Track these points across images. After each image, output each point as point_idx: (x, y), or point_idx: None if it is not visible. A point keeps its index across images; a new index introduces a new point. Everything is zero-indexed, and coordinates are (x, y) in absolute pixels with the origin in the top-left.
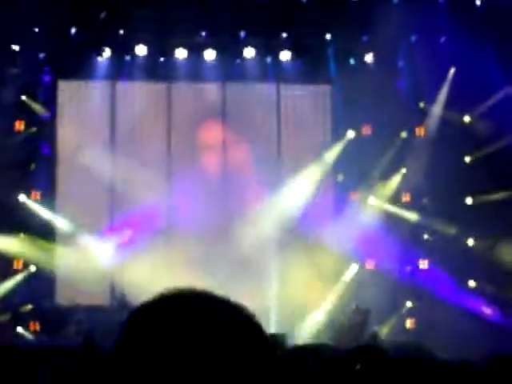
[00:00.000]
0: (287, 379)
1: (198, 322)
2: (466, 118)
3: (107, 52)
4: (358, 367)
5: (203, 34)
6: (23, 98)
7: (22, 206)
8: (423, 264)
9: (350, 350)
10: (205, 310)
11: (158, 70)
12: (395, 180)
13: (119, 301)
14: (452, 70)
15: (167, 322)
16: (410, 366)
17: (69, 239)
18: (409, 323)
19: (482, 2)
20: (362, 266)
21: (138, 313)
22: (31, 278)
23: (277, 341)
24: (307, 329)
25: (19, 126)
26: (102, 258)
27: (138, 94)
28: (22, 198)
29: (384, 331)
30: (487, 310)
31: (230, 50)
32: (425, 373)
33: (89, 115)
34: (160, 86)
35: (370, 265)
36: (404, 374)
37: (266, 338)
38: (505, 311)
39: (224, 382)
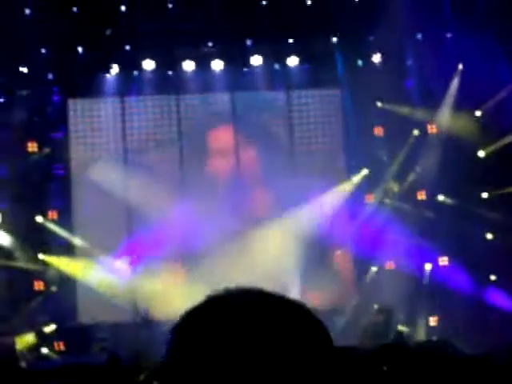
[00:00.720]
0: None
1: (255, 320)
2: (477, 113)
3: (115, 68)
4: (385, 368)
5: (210, 44)
6: (34, 119)
7: (40, 226)
8: (443, 261)
9: (375, 348)
10: (261, 306)
11: (167, 83)
12: (410, 179)
13: (143, 317)
14: (460, 66)
15: (220, 323)
16: (437, 362)
17: (87, 258)
18: (432, 321)
19: None
20: (382, 267)
21: (187, 317)
22: (53, 298)
23: None
24: (332, 331)
25: (32, 147)
26: (122, 276)
27: (147, 108)
28: (39, 218)
29: (408, 330)
30: (508, 303)
31: (237, 59)
32: (452, 368)
33: (100, 133)
34: (169, 99)
35: (390, 265)
36: (431, 371)
37: (328, 333)
38: None
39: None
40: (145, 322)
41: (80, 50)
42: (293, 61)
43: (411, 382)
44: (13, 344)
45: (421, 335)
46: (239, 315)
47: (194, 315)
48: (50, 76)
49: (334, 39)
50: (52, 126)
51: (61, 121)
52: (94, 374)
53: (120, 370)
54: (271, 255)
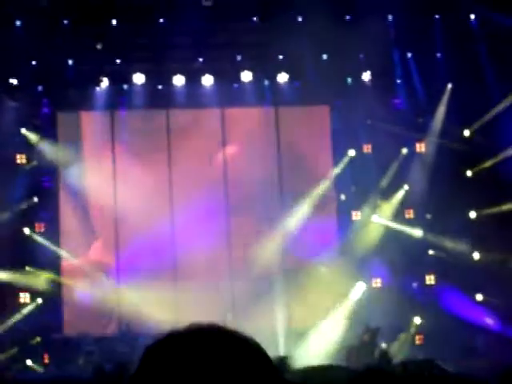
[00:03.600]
0: None
1: (207, 361)
2: (466, 132)
3: (105, 82)
4: None
5: (200, 59)
6: (23, 131)
7: (27, 239)
8: (430, 280)
9: (359, 372)
10: (213, 347)
11: (157, 97)
12: (398, 197)
13: (123, 330)
14: (449, 86)
15: (177, 360)
16: (421, 383)
17: (74, 270)
18: (418, 339)
19: (475, 18)
20: (368, 285)
21: (152, 348)
22: (38, 310)
23: (286, 363)
24: (317, 350)
25: (20, 159)
26: (109, 288)
27: (137, 122)
28: (26, 231)
29: (394, 349)
30: (495, 323)
31: (227, 75)
32: None
33: (89, 145)
34: (159, 114)
35: (376, 283)
36: None
37: (273, 366)
38: None
39: None
40: (126, 336)
41: (70, 62)
42: (282, 77)
43: None
44: None
45: (406, 354)
46: (194, 355)
47: (158, 348)
48: (40, 88)
49: (325, 56)
50: (41, 138)
51: (50, 133)
52: None
53: (106, 383)
54: (257, 270)
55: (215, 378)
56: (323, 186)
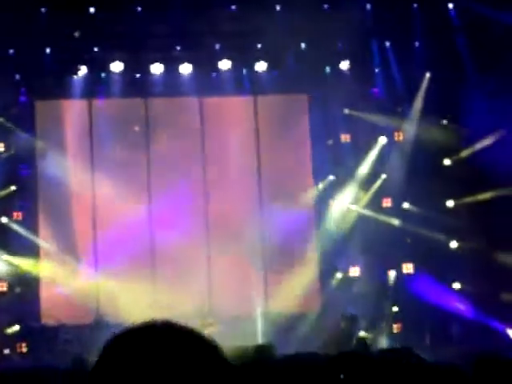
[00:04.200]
0: None
1: (161, 354)
2: (444, 122)
3: (83, 70)
4: (342, 377)
5: (178, 48)
6: (0, 119)
7: (5, 227)
8: (407, 268)
9: (333, 356)
10: (166, 342)
11: (135, 85)
12: (375, 186)
13: (100, 319)
14: (427, 75)
15: (136, 353)
16: (398, 370)
17: (52, 259)
18: (396, 328)
19: (454, 7)
20: (345, 273)
21: (109, 344)
22: (16, 299)
23: (265, 351)
24: (295, 338)
25: None
26: (87, 277)
27: (115, 110)
28: (3, 219)
29: (371, 337)
30: (470, 311)
31: (205, 63)
32: (413, 377)
33: (67, 134)
34: (137, 102)
35: (354, 272)
36: (391, 379)
37: (225, 361)
38: (489, 312)
39: None
40: (103, 324)
41: (48, 50)
42: (261, 66)
43: None
44: None
45: (384, 342)
46: (151, 350)
47: (119, 340)
48: (17, 77)
49: (303, 45)
50: (19, 127)
51: (27, 122)
52: (58, 377)
53: (84, 373)
54: (235, 258)
55: (164, 371)
56: (301, 175)
